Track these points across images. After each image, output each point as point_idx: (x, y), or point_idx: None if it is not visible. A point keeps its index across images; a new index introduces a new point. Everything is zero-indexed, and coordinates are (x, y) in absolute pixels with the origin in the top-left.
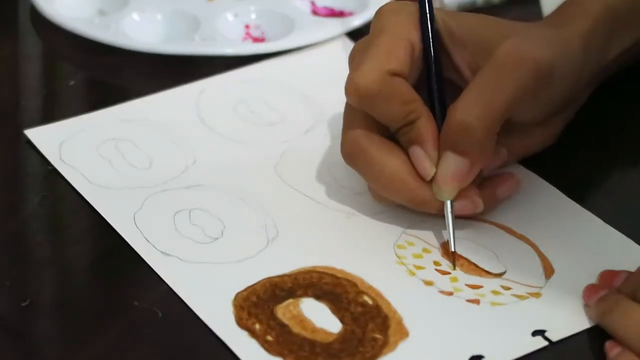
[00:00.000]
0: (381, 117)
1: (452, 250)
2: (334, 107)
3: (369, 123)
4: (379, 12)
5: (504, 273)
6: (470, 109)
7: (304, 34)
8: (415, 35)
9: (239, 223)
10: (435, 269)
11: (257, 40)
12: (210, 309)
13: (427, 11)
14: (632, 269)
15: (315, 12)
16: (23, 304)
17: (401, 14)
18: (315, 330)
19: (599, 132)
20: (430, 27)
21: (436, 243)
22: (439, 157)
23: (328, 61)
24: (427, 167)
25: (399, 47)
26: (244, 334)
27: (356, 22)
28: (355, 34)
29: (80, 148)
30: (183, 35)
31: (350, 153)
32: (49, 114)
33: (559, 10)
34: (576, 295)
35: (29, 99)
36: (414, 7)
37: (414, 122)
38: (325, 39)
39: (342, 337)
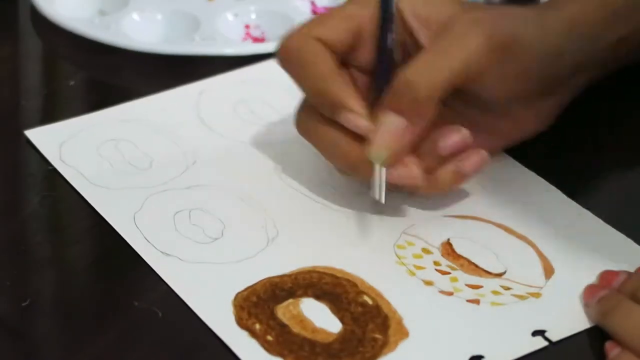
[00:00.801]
0: (299, 82)
1: (380, 200)
2: None
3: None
4: None
5: (504, 273)
6: (416, 69)
7: None
8: (366, 15)
9: (239, 223)
10: (435, 269)
11: (257, 40)
12: (210, 309)
13: None
14: (632, 269)
15: (315, 12)
16: (23, 304)
17: None
18: (315, 330)
19: (599, 132)
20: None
21: (436, 243)
22: (378, 120)
23: None
24: (361, 123)
25: (337, 16)
26: (244, 334)
27: None
28: None
29: (80, 148)
30: (183, 35)
31: (298, 127)
32: (49, 114)
33: None
34: (576, 295)
35: (29, 99)
36: None
37: (330, 89)
38: None
39: (342, 337)
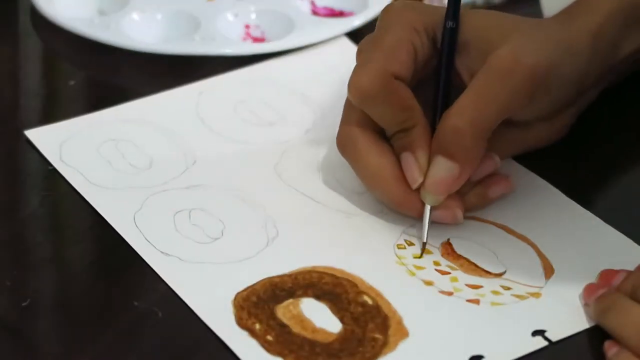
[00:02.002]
0: (379, 119)
1: (422, 249)
2: (334, 107)
3: (366, 120)
4: (386, 10)
5: (504, 273)
6: (462, 114)
7: (304, 34)
8: (418, 39)
9: (239, 223)
10: (435, 269)
11: (257, 40)
12: (210, 309)
13: (452, 17)
14: (632, 268)
15: (315, 12)
16: (23, 304)
17: (408, 14)
18: (315, 330)
19: (599, 132)
20: (451, 34)
21: (436, 243)
22: (429, 163)
23: (328, 61)
24: (416, 175)
25: (402, 49)
26: (244, 334)
27: (356, 22)
28: (355, 34)
29: (80, 148)
30: (183, 35)
31: (343, 144)
32: (49, 114)
33: (569, 6)
34: (576, 295)
35: (29, 99)
36: (421, 8)
37: (409, 129)
38: (325, 39)
39: (342, 337)
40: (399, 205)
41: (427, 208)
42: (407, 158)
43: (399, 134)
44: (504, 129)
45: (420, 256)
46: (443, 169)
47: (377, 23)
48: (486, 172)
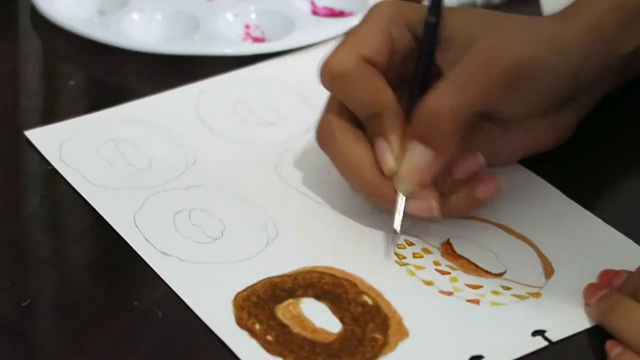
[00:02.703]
0: (349, 102)
1: (394, 240)
2: None
3: (343, 110)
4: (373, 6)
5: (504, 273)
6: (441, 99)
7: (304, 34)
8: (396, 29)
9: (239, 223)
10: (435, 269)
11: (257, 40)
12: (210, 309)
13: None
14: (632, 268)
15: (315, 12)
16: (23, 304)
17: (390, 9)
18: (315, 330)
19: (599, 132)
20: (432, 29)
21: (436, 243)
22: (405, 150)
23: None
24: (389, 162)
25: (377, 36)
26: (244, 334)
27: (356, 22)
28: None
29: (80, 148)
30: (183, 35)
31: (320, 135)
32: (49, 114)
33: (568, 5)
34: (576, 295)
35: (29, 99)
36: (408, 5)
37: (380, 114)
38: (325, 39)
39: (342, 337)
40: (372, 193)
41: (400, 196)
42: (380, 143)
43: (370, 119)
44: (502, 132)
45: (393, 246)
46: (418, 155)
47: (362, 17)
48: (469, 169)
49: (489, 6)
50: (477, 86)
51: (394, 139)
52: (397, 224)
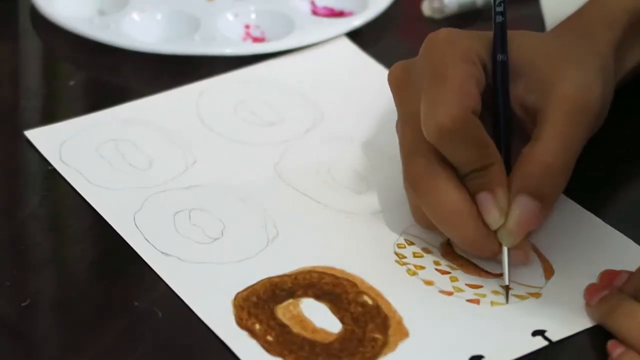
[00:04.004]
0: (455, 157)
1: (507, 294)
2: (334, 107)
3: (437, 157)
4: (433, 41)
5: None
6: (550, 151)
7: (304, 34)
8: (477, 71)
9: (239, 223)
10: (436, 269)
11: (257, 40)
12: (210, 309)
13: (501, 48)
14: (632, 269)
15: (315, 12)
16: (23, 304)
17: (461, 45)
18: (315, 330)
19: (599, 132)
20: (503, 70)
21: (436, 243)
22: (510, 202)
23: (328, 61)
24: (497, 216)
25: (472, 82)
26: (244, 334)
27: (356, 22)
28: (355, 34)
29: (80, 148)
30: (183, 35)
31: (414, 182)
32: (49, 114)
33: (583, 13)
34: (576, 295)
35: (29, 99)
36: (468, 35)
37: (486, 168)
38: (325, 39)
39: (342, 337)
40: (475, 246)
41: (505, 250)
42: (486, 198)
43: (474, 173)
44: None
45: (506, 302)
46: (527, 209)
47: (426, 55)
48: None
49: (489, 6)
50: (578, 135)
51: (502, 195)
52: (506, 280)
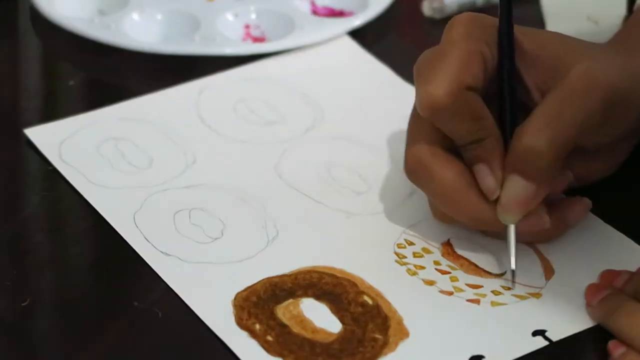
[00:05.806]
0: (450, 132)
1: (513, 269)
2: (334, 107)
3: (432, 137)
4: (452, 23)
5: (504, 273)
6: (538, 133)
7: (304, 34)
8: (487, 50)
9: (239, 223)
10: (436, 269)
11: (257, 40)
12: (210, 309)
13: (507, 26)
14: (633, 269)
15: (315, 12)
16: (23, 304)
17: (475, 26)
18: (315, 330)
19: None
20: (509, 45)
21: (436, 242)
22: (504, 179)
23: (328, 61)
24: (492, 186)
25: (474, 60)
26: (244, 334)
27: (356, 22)
28: (355, 34)
29: (80, 147)
30: (183, 35)
31: (414, 167)
32: (49, 114)
33: (626, 32)
34: (576, 295)
35: (29, 99)
36: (487, 20)
37: (482, 140)
38: (325, 39)
39: (342, 337)
40: (475, 215)
41: (511, 228)
42: (482, 169)
43: (471, 145)
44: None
45: (513, 287)
46: (519, 188)
47: (443, 35)
48: (560, 190)
49: (489, 6)
50: (575, 118)
51: (497, 166)
52: (512, 263)
